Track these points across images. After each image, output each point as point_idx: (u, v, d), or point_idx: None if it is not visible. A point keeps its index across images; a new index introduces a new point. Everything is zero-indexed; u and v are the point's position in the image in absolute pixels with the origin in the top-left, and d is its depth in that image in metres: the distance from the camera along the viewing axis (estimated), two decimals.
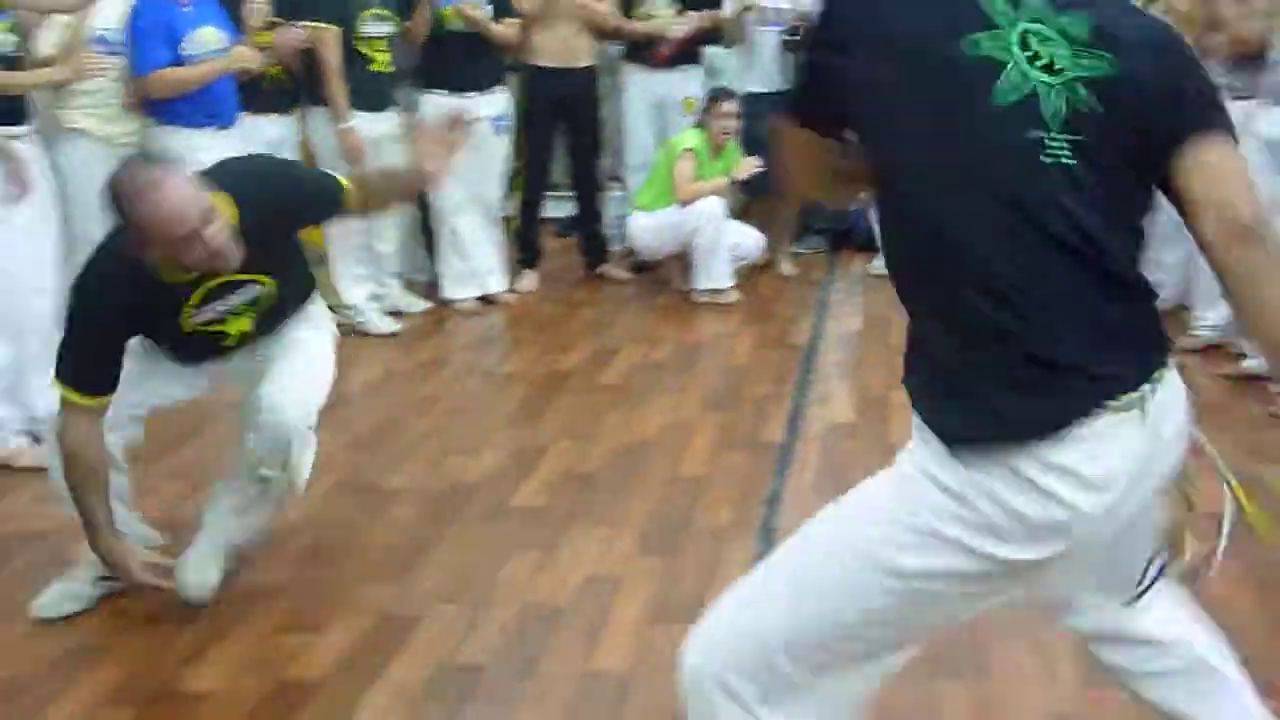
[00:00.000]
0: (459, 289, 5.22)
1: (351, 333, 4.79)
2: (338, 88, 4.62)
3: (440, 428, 3.85)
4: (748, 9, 5.37)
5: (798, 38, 5.40)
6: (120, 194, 2.33)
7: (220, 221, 2.37)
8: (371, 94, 4.78)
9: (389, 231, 5.04)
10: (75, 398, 2.48)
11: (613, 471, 3.49)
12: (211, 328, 2.59)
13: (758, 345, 4.71)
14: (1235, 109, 3.98)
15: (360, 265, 4.91)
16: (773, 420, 3.85)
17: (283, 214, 2.59)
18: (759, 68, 5.52)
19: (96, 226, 4.11)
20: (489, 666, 2.49)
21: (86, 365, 2.50)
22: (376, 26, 4.75)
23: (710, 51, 5.69)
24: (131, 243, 2.37)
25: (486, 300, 5.27)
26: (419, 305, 5.16)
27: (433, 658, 2.52)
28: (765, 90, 5.46)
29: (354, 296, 4.87)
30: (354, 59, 4.68)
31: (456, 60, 4.97)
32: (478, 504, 3.27)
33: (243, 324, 2.63)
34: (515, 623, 2.66)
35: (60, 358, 2.50)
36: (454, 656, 2.53)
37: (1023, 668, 2.45)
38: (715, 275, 5.18)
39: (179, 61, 4.07)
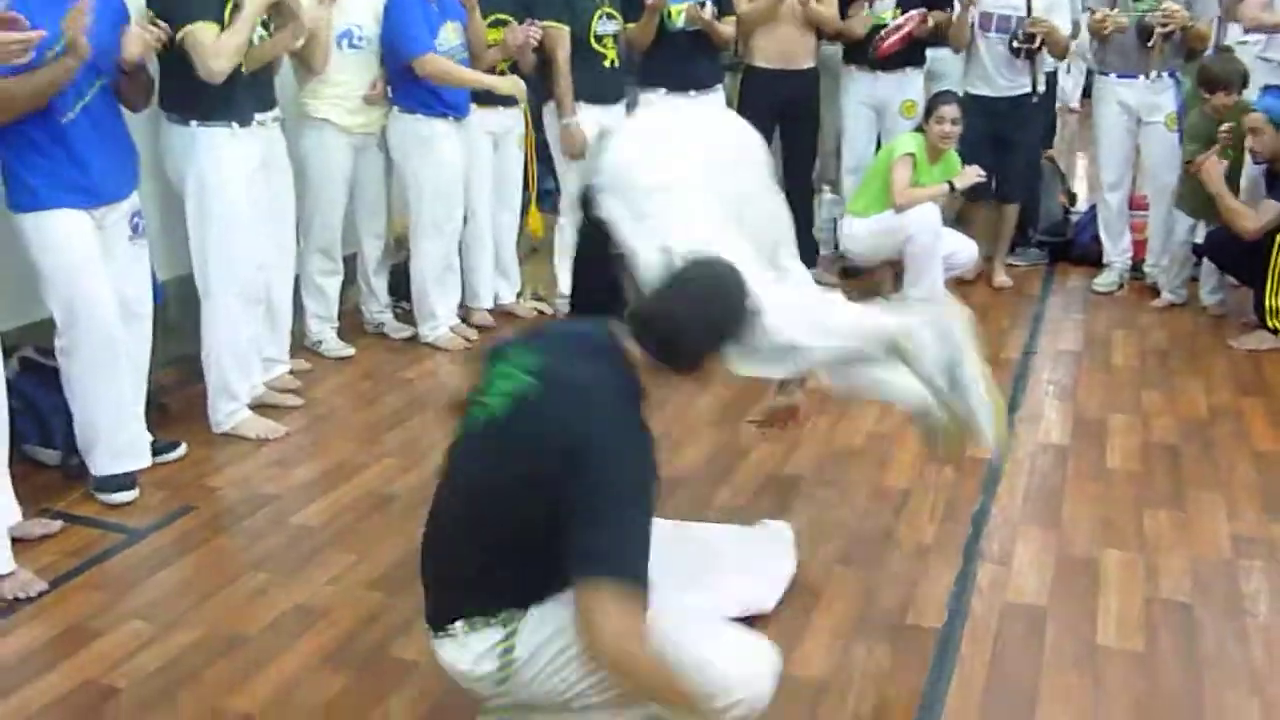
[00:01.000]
0: None
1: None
2: (565, 85, 4.74)
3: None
4: (972, 1, 5.19)
5: (1031, 45, 5.22)
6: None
7: None
8: (604, 88, 4.88)
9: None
10: None
11: (817, 477, 3.45)
12: None
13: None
14: None
15: None
16: (976, 439, 3.72)
17: None
18: (981, 72, 5.35)
19: (329, 208, 4.39)
20: None
21: None
22: (607, 25, 4.84)
23: (932, 55, 5.54)
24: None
25: None
26: None
27: None
28: (987, 94, 5.30)
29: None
30: (588, 55, 4.78)
31: (680, 58, 5.01)
32: (680, 499, 3.27)
33: None
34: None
35: None
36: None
37: None
38: (928, 284, 5.04)
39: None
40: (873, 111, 5.52)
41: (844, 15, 5.32)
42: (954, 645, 2.57)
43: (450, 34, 4.37)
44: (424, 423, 3.90)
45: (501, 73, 4.67)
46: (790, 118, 5.36)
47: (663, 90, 5.02)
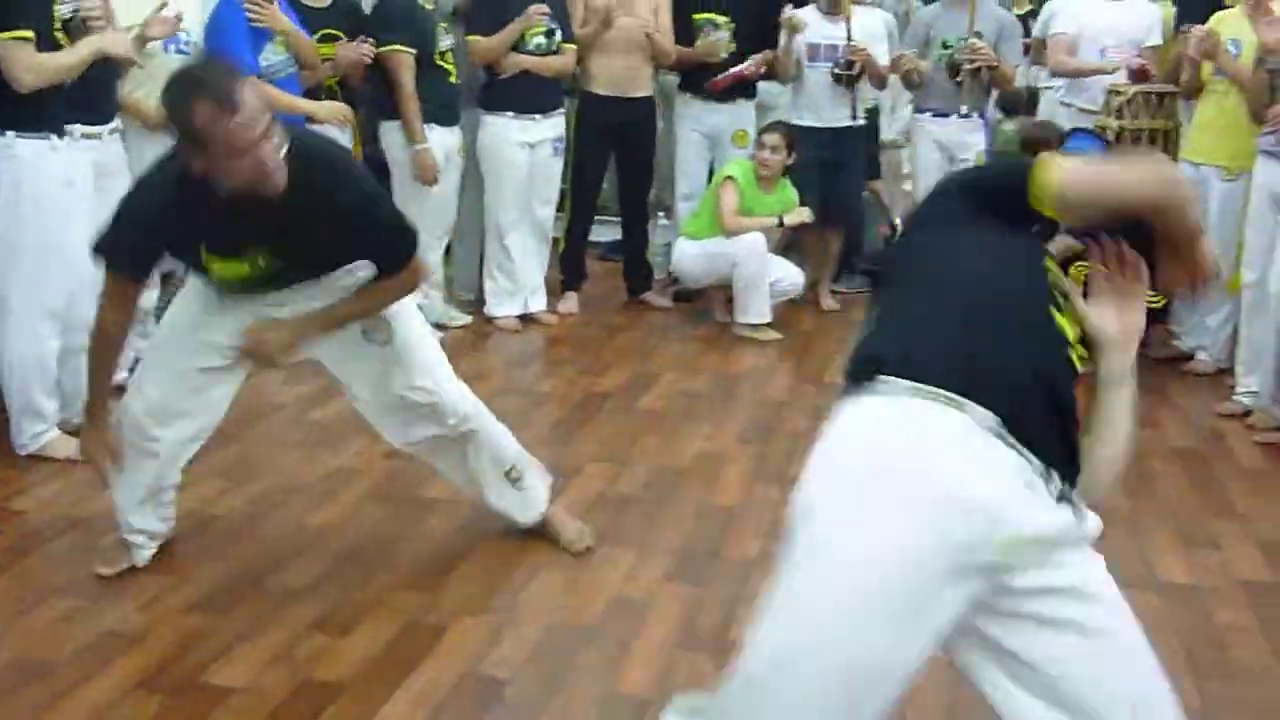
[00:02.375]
0: (502, 306, 5.27)
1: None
2: (413, 110, 4.71)
3: None
4: (794, 32, 5.37)
5: (851, 72, 5.43)
6: (188, 90, 2.32)
7: (279, 141, 2.38)
8: (448, 108, 4.87)
9: (435, 241, 5.11)
10: (110, 273, 2.62)
11: (646, 496, 3.51)
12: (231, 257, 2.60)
13: (795, 380, 4.72)
14: None
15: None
16: (806, 456, 3.84)
17: (330, 211, 2.55)
18: (808, 102, 5.55)
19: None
20: (512, 680, 2.51)
21: (122, 246, 2.58)
22: (445, 39, 4.84)
23: (763, 86, 5.73)
24: (187, 148, 2.37)
25: (528, 319, 5.31)
26: (461, 319, 5.22)
27: (456, 668, 2.54)
28: (814, 125, 5.49)
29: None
30: (434, 73, 4.77)
31: (523, 82, 5.04)
32: (511, 521, 3.29)
33: (259, 263, 2.60)
34: (541, 639, 2.68)
35: (106, 233, 2.59)
36: (477, 668, 2.55)
37: None
38: (755, 310, 5.19)
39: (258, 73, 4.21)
40: (706, 139, 5.66)
41: (679, 42, 5.45)
42: None
43: (277, 49, 4.29)
44: (254, 438, 3.80)
45: (330, 89, 4.62)
46: (626, 143, 5.46)
47: (509, 114, 5.05)
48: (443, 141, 4.85)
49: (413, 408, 2.90)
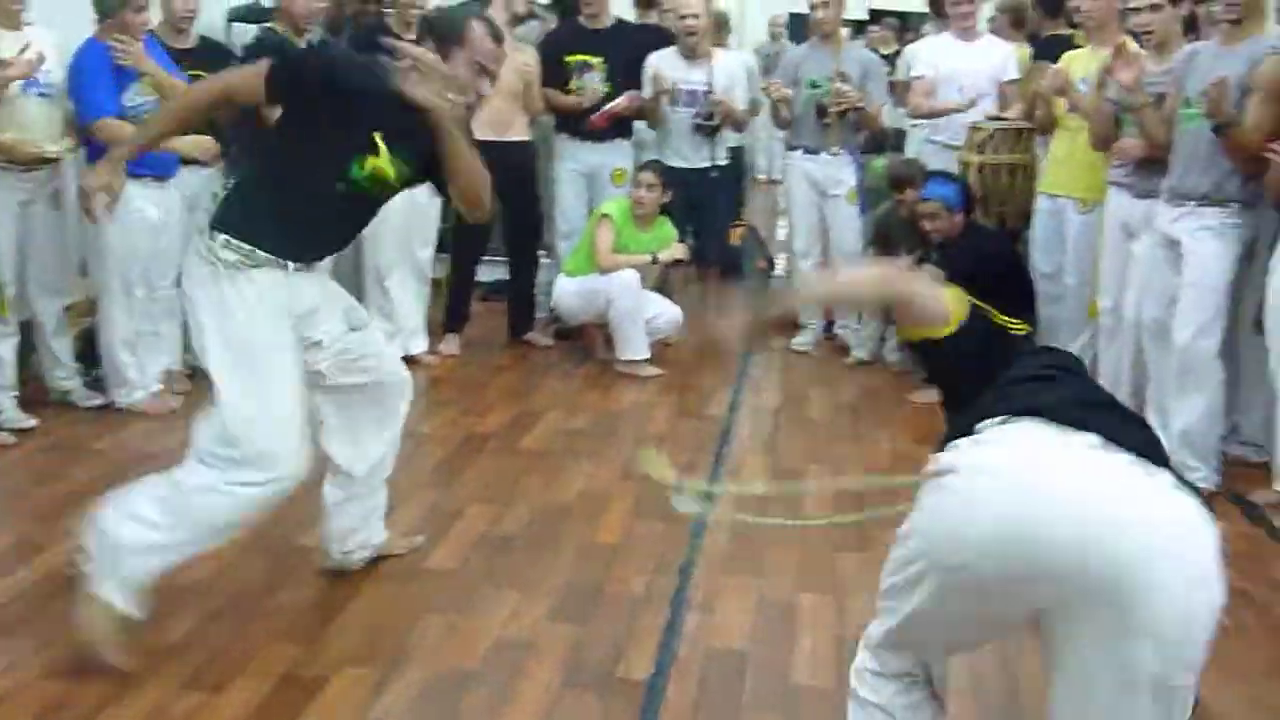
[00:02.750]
0: None
1: None
2: None
3: None
4: (663, 92, 5.47)
5: (712, 122, 5.53)
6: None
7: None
8: None
9: None
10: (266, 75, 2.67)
11: (528, 536, 3.49)
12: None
13: (676, 415, 4.75)
14: (1139, 206, 4.26)
15: None
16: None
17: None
18: (673, 144, 5.62)
19: None
20: None
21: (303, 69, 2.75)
22: None
23: (639, 125, 5.80)
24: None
25: (408, 361, 5.22)
26: None
27: None
28: (680, 165, 5.54)
29: None
30: None
31: None
32: (391, 565, 3.23)
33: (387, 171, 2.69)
34: (424, 685, 2.63)
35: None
36: (360, 719, 2.49)
37: None
38: (633, 346, 5.23)
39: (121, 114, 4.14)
40: (584, 178, 5.70)
41: (549, 84, 5.48)
42: (660, 693, 2.65)
43: (144, 89, 4.20)
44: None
45: (199, 131, 4.52)
46: (508, 187, 5.44)
47: None
48: None
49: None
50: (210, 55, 4.60)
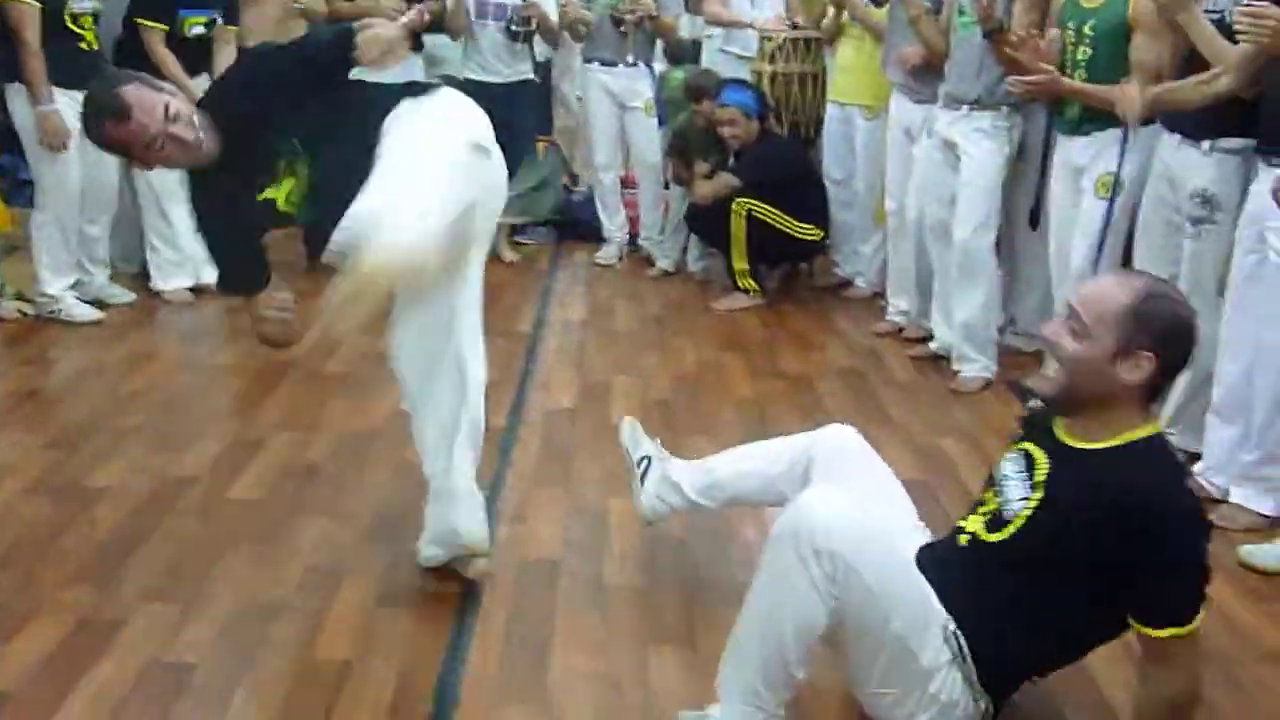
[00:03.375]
0: (170, 279, 4.97)
1: (50, 322, 4.54)
2: (36, 68, 4.32)
3: (148, 423, 3.66)
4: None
5: (528, 28, 5.44)
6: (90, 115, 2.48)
7: (187, 114, 2.45)
8: (82, 72, 4.49)
9: (101, 215, 4.76)
10: None
11: (336, 462, 3.43)
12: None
13: (482, 333, 4.71)
14: (919, 111, 4.43)
15: (65, 251, 4.61)
16: (496, 406, 3.87)
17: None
18: (480, 59, 5.52)
19: None
20: (201, 664, 2.41)
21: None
22: (84, 2, 4.46)
23: (430, 40, 5.64)
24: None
25: (200, 291, 5.03)
26: (125, 296, 4.88)
27: (138, 659, 2.40)
28: (487, 80, 5.46)
29: (55, 286, 4.58)
30: (62, 36, 4.39)
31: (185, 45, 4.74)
32: (189, 500, 3.14)
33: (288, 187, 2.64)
34: (230, 618, 2.58)
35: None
36: (162, 656, 2.42)
37: None
38: None
39: None
40: None
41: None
42: (475, 604, 2.67)
43: None
44: None
45: None
46: None
47: None
48: (77, 107, 4.46)
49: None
50: None
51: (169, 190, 4.87)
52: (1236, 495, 3.13)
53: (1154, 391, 1.99)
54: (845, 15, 4.94)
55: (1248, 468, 3.12)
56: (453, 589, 2.73)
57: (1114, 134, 3.63)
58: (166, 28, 4.70)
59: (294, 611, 2.61)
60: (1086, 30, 3.66)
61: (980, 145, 4.08)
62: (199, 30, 4.78)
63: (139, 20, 4.69)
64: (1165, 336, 1.92)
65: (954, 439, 3.72)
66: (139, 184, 4.88)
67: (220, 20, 4.84)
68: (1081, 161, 3.76)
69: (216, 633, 2.52)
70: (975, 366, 4.17)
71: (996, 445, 3.65)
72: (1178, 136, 3.35)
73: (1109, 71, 3.59)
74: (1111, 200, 3.66)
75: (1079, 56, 3.68)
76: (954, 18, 4.17)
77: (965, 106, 4.10)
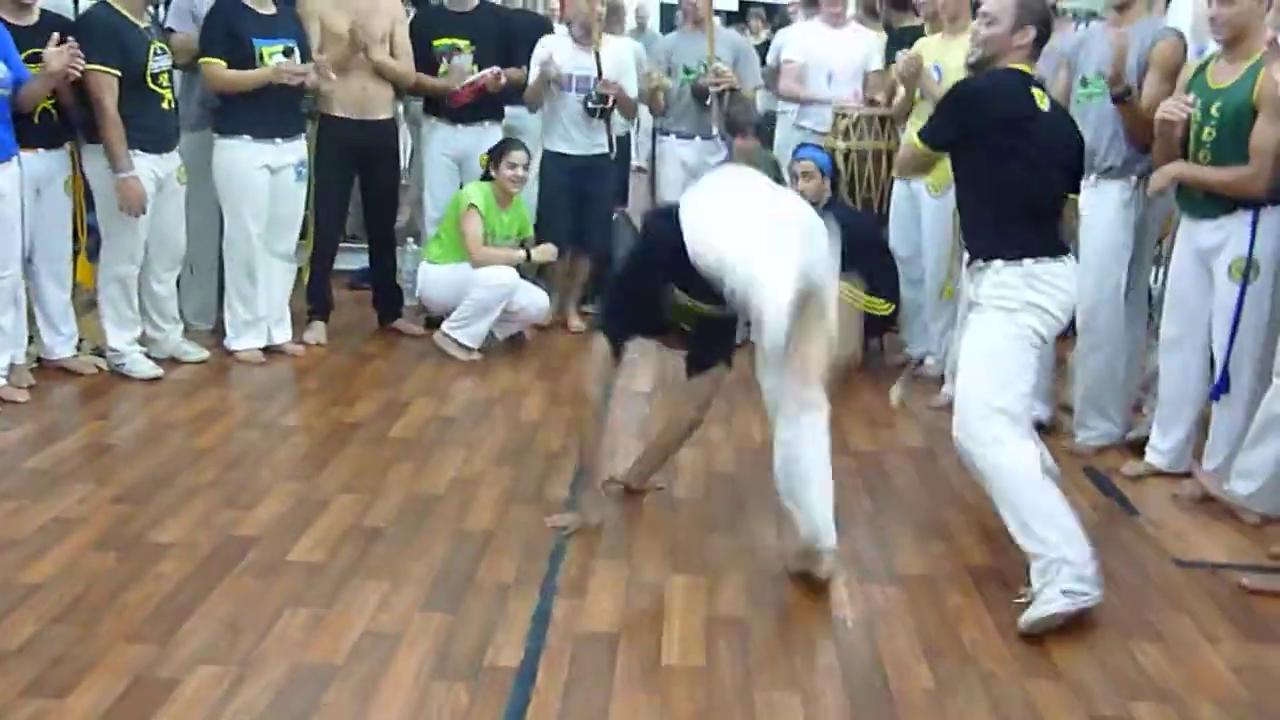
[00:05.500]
0: (243, 338, 5.04)
1: (124, 378, 4.62)
2: (115, 136, 4.42)
3: (215, 480, 3.68)
4: (550, 78, 5.41)
5: (605, 105, 5.50)
6: None
7: None
8: (161, 134, 4.62)
9: (166, 273, 4.85)
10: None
11: (398, 526, 3.41)
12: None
13: (550, 401, 4.71)
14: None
15: (128, 307, 4.70)
16: (559, 476, 3.86)
17: None
18: (560, 130, 5.58)
19: None
20: None
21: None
22: (161, 61, 4.58)
23: (511, 111, 5.73)
24: None
25: (272, 351, 5.10)
26: (198, 354, 4.95)
27: None
28: (566, 151, 5.52)
29: (119, 340, 4.67)
30: (144, 97, 4.50)
31: (264, 106, 4.84)
32: (251, 559, 3.13)
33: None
34: (285, 682, 2.55)
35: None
36: (215, 718, 2.40)
37: None
38: (469, 333, 5.16)
39: None
40: (454, 163, 5.61)
41: (417, 69, 5.39)
42: (529, 678, 2.62)
43: None
44: None
45: (46, 111, 4.31)
46: (369, 167, 5.35)
47: (246, 137, 4.85)
48: (153, 169, 4.60)
49: None
50: (54, 30, 4.35)
51: (253, 250, 4.97)
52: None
53: (1037, 48, 3.18)
54: (918, 93, 4.92)
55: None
56: (508, 661, 2.69)
57: (1243, 216, 3.57)
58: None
59: (348, 678, 2.58)
60: (1213, 111, 3.61)
61: (1106, 214, 4.04)
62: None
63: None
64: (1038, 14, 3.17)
65: None
66: (233, 245, 4.97)
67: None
68: (1209, 245, 3.71)
69: (271, 697, 2.49)
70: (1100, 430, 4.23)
71: None
72: None
73: (1234, 153, 3.55)
74: (1244, 284, 3.60)
75: (1204, 136, 3.63)
76: (1076, 89, 4.15)
77: (1094, 175, 4.04)
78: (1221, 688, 2.70)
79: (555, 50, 5.44)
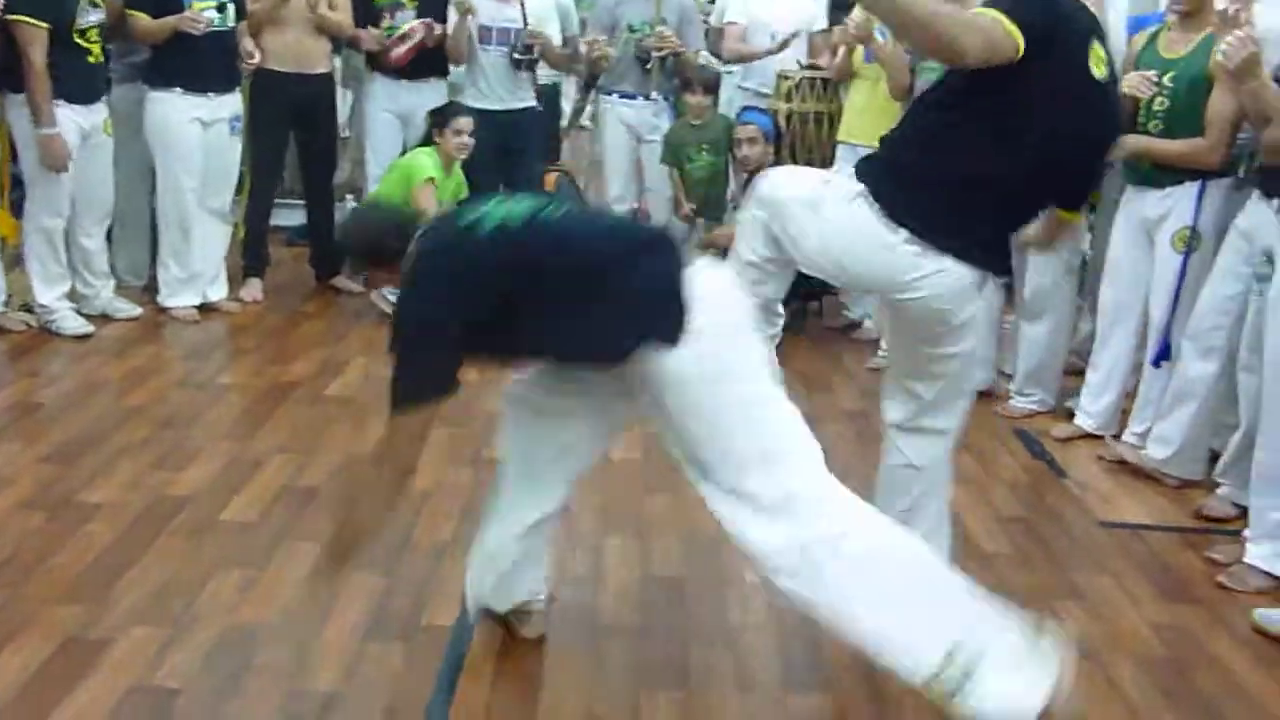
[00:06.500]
0: (178, 295, 4.96)
1: (53, 334, 4.53)
2: (41, 90, 4.31)
3: (147, 439, 3.63)
4: (464, 11, 5.25)
5: (531, 56, 5.42)
6: None
7: None
8: (88, 86, 4.51)
9: (95, 227, 4.75)
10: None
11: (333, 486, 3.39)
12: None
13: None
14: None
15: (55, 262, 4.60)
16: (499, 437, 3.85)
17: None
18: (483, 85, 5.45)
19: None
20: (186, 689, 2.37)
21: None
22: (90, 15, 4.46)
23: (455, 69, 5.64)
24: None
25: (207, 309, 5.03)
26: (130, 311, 4.87)
27: (122, 682, 2.37)
28: (490, 108, 5.34)
29: (47, 296, 4.58)
30: (70, 50, 4.39)
31: (195, 58, 4.73)
32: (184, 519, 3.11)
33: None
34: (217, 642, 2.54)
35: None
36: (147, 679, 2.39)
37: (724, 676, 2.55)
38: None
39: None
40: (398, 119, 5.50)
41: (361, 26, 5.29)
42: (465, 638, 2.63)
43: None
44: None
45: None
46: (306, 123, 5.26)
47: (178, 90, 4.74)
48: (77, 121, 4.49)
49: None
50: None
51: (186, 206, 4.88)
52: (1252, 554, 3.08)
53: None
54: (856, 56, 4.93)
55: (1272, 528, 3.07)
56: (444, 620, 2.69)
57: (1190, 188, 3.62)
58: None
59: (281, 639, 2.57)
60: (1166, 81, 3.64)
61: None
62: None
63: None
64: None
65: (960, 486, 3.66)
66: (166, 200, 4.88)
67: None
68: (1154, 215, 3.76)
69: (202, 658, 2.48)
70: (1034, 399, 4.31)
71: (1005, 495, 3.62)
72: (1256, 192, 3.34)
73: (1187, 123, 3.59)
74: (1187, 254, 3.65)
75: (1156, 106, 3.66)
76: None
77: None
78: (1141, 645, 2.78)
79: (472, 4, 5.31)
